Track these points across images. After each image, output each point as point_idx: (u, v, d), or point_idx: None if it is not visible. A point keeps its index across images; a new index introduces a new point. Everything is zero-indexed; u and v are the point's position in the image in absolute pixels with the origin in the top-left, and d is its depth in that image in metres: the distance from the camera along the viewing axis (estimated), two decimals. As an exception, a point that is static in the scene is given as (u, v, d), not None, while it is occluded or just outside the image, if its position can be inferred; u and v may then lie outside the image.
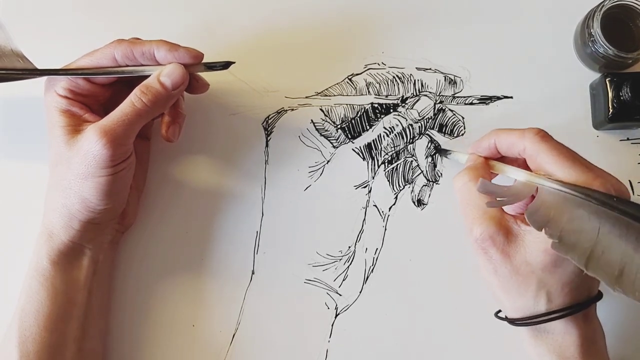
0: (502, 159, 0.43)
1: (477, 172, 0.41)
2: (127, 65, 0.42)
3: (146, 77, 0.41)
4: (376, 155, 0.49)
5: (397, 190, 0.49)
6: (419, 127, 0.49)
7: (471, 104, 0.50)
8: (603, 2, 0.45)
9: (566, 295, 0.38)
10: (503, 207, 0.41)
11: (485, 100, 0.50)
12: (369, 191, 0.49)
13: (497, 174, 0.43)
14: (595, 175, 0.36)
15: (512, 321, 0.40)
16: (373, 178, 0.49)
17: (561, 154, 0.38)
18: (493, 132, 0.42)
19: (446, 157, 0.49)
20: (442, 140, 0.49)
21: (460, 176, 0.42)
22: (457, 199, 0.42)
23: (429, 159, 0.49)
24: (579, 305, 0.38)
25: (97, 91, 0.43)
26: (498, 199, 0.37)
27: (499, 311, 0.43)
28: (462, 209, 0.41)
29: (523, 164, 0.41)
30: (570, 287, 0.38)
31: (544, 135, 0.39)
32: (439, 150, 0.49)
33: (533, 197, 0.38)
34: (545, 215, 0.36)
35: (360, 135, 0.49)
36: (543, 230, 0.35)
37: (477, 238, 0.39)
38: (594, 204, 0.35)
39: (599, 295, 0.40)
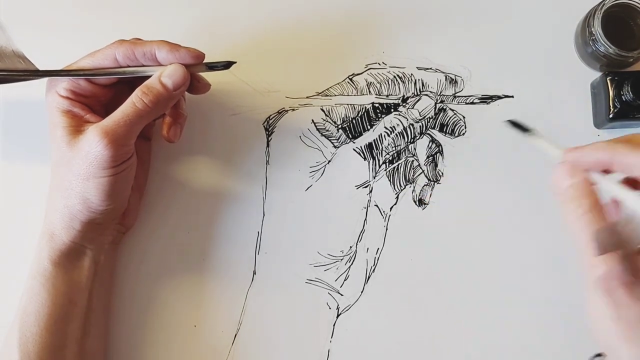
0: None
1: (592, 198, 0.34)
2: (129, 66, 0.42)
3: (147, 77, 0.41)
4: (377, 155, 0.49)
5: (398, 190, 0.49)
6: (420, 126, 0.49)
7: (472, 103, 0.50)
8: (603, 1, 0.45)
9: None
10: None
11: (486, 99, 0.50)
12: (370, 191, 0.49)
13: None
14: None
15: None
16: (374, 178, 0.49)
17: None
18: (609, 145, 0.34)
19: (525, 135, 0.39)
20: (443, 140, 0.49)
21: (574, 207, 0.34)
22: (572, 232, 0.35)
23: (430, 158, 0.49)
24: None
25: (99, 92, 0.43)
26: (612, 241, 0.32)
27: (599, 354, 0.37)
28: (579, 244, 0.34)
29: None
30: None
31: None
32: (516, 125, 0.39)
33: None
34: None
35: (361, 135, 0.49)
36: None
37: (601, 277, 0.33)
38: None
39: None
